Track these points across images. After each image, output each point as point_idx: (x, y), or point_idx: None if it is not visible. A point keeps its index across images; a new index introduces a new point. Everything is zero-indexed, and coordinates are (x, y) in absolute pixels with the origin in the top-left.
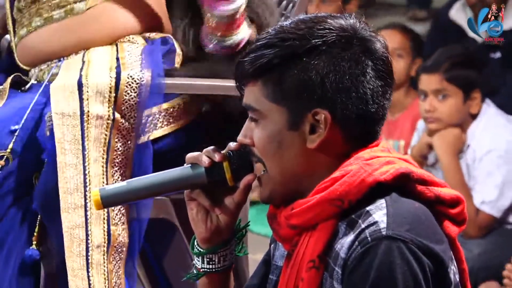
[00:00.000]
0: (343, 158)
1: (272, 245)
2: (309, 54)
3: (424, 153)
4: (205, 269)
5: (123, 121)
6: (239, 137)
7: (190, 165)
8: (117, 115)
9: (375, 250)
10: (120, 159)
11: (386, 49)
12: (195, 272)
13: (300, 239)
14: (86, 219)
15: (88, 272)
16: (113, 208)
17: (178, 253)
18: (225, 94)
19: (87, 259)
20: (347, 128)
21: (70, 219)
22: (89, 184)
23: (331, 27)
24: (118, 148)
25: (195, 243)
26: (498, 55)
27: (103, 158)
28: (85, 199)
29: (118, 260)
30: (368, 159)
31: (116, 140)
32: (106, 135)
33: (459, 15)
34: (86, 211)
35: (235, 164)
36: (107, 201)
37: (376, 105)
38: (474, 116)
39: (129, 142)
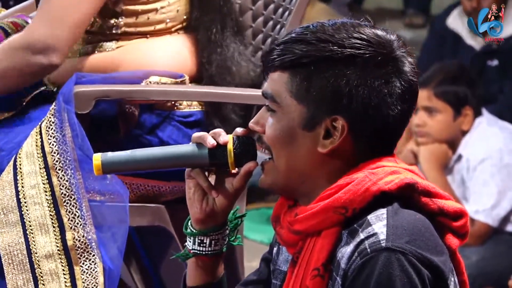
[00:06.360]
0: (350, 168)
1: (274, 248)
2: (344, 63)
3: (408, 161)
4: (195, 251)
5: (50, 122)
6: (251, 123)
7: (195, 143)
8: (43, 124)
9: (375, 261)
10: (63, 159)
11: (415, 74)
12: (185, 252)
13: (305, 245)
14: (25, 234)
15: (37, 286)
16: (67, 214)
17: (174, 260)
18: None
19: (33, 273)
20: (360, 141)
21: (7, 238)
22: (24, 198)
23: (370, 39)
24: (54, 151)
25: (189, 223)
26: (495, 62)
27: (40, 168)
28: (21, 215)
29: (91, 260)
30: (373, 168)
31: (50, 144)
32: (37, 146)
33: (456, 22)
34: (24, 225)
35: (238, 150)
36: (107, 167)
37: (395, 126)
38: (465, 133)
39: (63, 136)
